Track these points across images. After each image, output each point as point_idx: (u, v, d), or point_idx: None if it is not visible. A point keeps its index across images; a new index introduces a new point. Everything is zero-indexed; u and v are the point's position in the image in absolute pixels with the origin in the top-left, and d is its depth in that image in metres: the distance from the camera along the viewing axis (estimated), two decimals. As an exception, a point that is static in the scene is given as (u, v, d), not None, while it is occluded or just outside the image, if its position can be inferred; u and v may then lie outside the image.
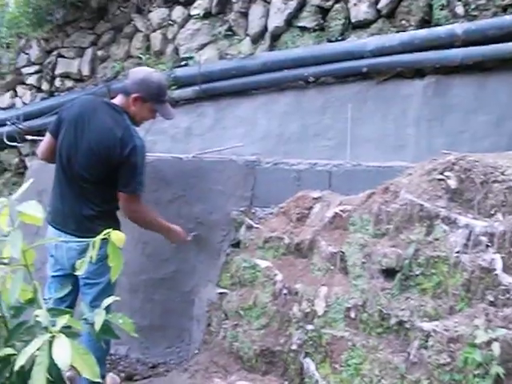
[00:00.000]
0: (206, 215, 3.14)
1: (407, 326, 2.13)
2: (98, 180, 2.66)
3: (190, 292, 3.19)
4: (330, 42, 3.74)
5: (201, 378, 2.82)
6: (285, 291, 2.60)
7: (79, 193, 2.69)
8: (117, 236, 1.87)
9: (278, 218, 2.93)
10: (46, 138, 2.88)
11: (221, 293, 3.01)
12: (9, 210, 1.81)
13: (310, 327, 2.44)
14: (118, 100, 2.78)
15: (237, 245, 3.07)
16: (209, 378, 2.79)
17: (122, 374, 3.16)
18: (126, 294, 3.17)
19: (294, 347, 2.50)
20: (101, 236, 1.84)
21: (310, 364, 2.42)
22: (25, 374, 1.66)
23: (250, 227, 3.00)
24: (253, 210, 3.08)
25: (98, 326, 1.79)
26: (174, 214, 3.10)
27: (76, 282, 2.73)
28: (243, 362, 2.72)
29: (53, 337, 1.54)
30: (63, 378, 1.76)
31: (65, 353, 1.49)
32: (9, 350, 1.71)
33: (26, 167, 5.19)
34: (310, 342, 2.43)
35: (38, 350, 1.54)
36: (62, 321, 1.64)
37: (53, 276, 2.81)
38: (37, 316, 1.75)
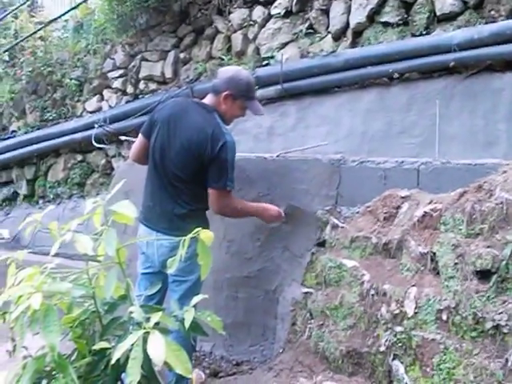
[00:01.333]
0: (290, 215, 3.12)
1: (505, 330, 2.03)
2: (190, 178, 2.71)
3: (274, 291, 3.19)
4: (415, 36, 3.64)
5: (286, 377, 2.81)
6: (372, 292, 2.54)
7: (171, 192, 2.75)
8: (206, 235, 1.89)
9: (364, 218, 2.87)
10: (139, 140, 2.96)
11: (305, 292, 2.98)
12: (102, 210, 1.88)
13: (399, 329, 2.37)
14: (207, 99, 2.82)
15: (322, 244, 3.03)
16: (294, 378, 2.77)
17: (207, 371, 3.20)
18: (210, 292, 3.19)
19: (382, 349, 2.44)
20: (190, 235, 1.88)
21: (398, 366, 2.36)
22: (119, 367, 1.71)
23: (335, 226, 2.96)
24: (338, 210, 3.03)
25: (187, 323, 1.82)
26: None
27: (165, 280, 2.78)
28: (329, 363, 2.69)
29: (147, 333, 1.58)
30: (155, 373, 1.80)
31: (159, 348, 1.52)
32: (104, 344, 1.77)
33: (112, 168, 5.38)
34: (399, 344, 2.36)
35: (132, 345, 1.59)
36: (156, 317, 1.67)
37: (143, 273, 2.88)
38: (131, 312, 1.80)
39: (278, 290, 3.18)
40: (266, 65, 4.29)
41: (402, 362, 2.35)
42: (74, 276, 1.84)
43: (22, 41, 6.73)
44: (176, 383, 2.63)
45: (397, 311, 2.40)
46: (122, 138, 4.66)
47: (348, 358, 2.59)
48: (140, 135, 2.95)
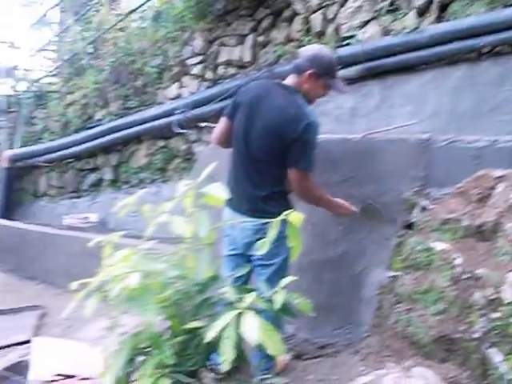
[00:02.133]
0: (376, 196, 3.06)
1: None
2: (272, 160, 2.70)
3: (359, 274, 3.14)
4: (506, 7, 3.45)
5: (373, 361, 2.77)
6: (465, 276, 2.45)
7: (253, 174, 2.75)
8: (295, 217, 1.88)
9: (455, 199, 2.76)
10: (221, 122, 2.96)
11: (392, 276, 2.92)
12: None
13: (495, 315, 2.27)
14: (289, 80, 2.80)
15: (409, 227, 2.95)
16: (381, 362, 2.73)
17: (291, 353, 3.20)
18: (294, 274, 3.20)
19: (476, 335, 2.35)
20: (280, 217, 1.87)
21: (495, 355, 2.26)
22: (210, 346, 1.74)
23: (423, 208, 2.87)
24: (426, 191, 2.94)
25: (277, 305, 1.82)
26: (343, 195, 3.04)
27: (249, 262, 2.80)
28: (418, 348, 2.62)
29: (240, 313, 1.59)
30: (244, 352, 1.82)
31: (253, 329, 1.53)
32: (196, 324, 1.81)
33: (193, 153, 5.46)
34: (496, 331, 2.26)
35: (225, 324, 1.61)
36: (249, 298, 1.68)
37: (227, 255, 2.90)
38: (223, 293, 1.82)
39: (363, 273, 3.13)
40: (347, 45, 4.20)
41: (499, 350, 2.26)
42: (165, 257, 1.89)
43: (103, 33, 6.94)
44: (262, 364, 2.65)
45: (493, 297, 2.30)
46: (202, 124, 4.73)
47: (439, 343, 2.51)
48: (223, 118, 2.97)
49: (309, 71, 2.70)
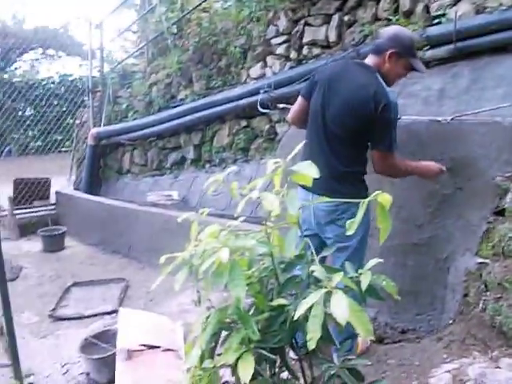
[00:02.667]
0: (465, 181, 2.96)
1: None
2: (348, 138, 2.71)
3: (445, 259, 3.06)
4: None
5: (457, 349, 2.71)
6: (561, 265, 2.34)
7: (328, 153, 2.74)
8: (385, 198, 1.85)
9: (553, 185, 2.64)
10: (298, 101, 3.01)
11: (480, 263, 2.83)
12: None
13: None
14: (368, 60, 2.80)
15: (500, 213, 2.84)
16: (466, 351, 2.66)
17: (372, 336, 3.18)
18: (377, 258, 3.16)
19: None
20: (369, 198, 1.84)
21: None
22: (295, 323, 1.75)
23: (517, 194, 2.77)
24: (522, 176, 2.82)
25: (364, 286, 1.80)
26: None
27: (322, 243, 2.80)
28: (507, 338, 2.54)
29: (329, 292, 1.59)
30: (329, 332, 1.81)
31: (342, 308, 1.52)
32: (281, 301, 1.82)
33: (276, 133, 5.46)
34: None
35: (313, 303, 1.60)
36: (337, 278, 1.67)
37: (300, 236, 2.91)
38: (311, 271, 1.82)
39: (449, 258, 3.05)
40: (437, 23, 4.05)
41: None
42: (252, 234, 1.90)
43: (187, 13, 7.02)
44: (343, 344, 2.64)
45: None
46: (280, 105, 4.72)
47: (530, 334, 2.43)
48: (299, 97, 3.00)
49: (389, 51, 2.71)
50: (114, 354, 3.10)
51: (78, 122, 9.47)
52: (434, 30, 3.98)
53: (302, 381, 1.94)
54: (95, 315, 4.29)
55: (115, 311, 4.23)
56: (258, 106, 5.21)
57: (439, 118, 3.12)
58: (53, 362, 3.55)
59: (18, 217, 7.51)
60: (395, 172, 2.79)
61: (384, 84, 2.69)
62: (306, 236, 2.87)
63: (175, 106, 6.99)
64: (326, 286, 1.62)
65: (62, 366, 3.48)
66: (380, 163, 2.71)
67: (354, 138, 2.71)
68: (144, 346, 3.13)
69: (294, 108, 3.06)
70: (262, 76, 5.71)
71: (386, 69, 2.75)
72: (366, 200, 1.85)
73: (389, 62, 2.73)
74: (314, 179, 2.74)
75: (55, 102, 11.77)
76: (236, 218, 2.03)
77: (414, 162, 2.87)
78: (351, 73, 2.77)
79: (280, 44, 5.53)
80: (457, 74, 3.79)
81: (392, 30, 2.84)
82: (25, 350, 3.36)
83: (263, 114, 5.42)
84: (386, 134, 2.65)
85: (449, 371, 2.42)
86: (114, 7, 9.24)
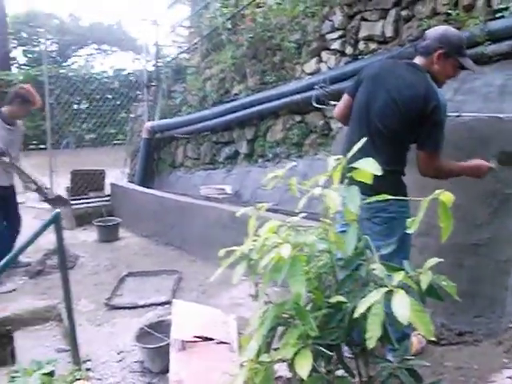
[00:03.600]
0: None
1: None
2: (391, 135, 2.68)
3: (505, 261, 2.98)
4: None
5: (518, 354, 2.64)
6: None
7: (369, 150, 2.69)
8: (447, 197, 1.82)
9: None
10: (343, 98, 3.04)
11: (544, 266, 2.75)
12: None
13: None
14: (416, 61, 2.80)
15: None
16: (528, 356, 2.59)
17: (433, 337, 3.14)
18: (432, 257, 3.11)
19: None
20: (432, 196, 1.81)
21: None
22: (354, 321, 1.73)
23: None
24: None
25: (424, 285, 1.78)
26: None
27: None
28: None
29: (390, 291, 1.57)
30: (388, 330, 1.79)
31: (404, 307, 1.50)
32: (340, 298, 1.81)
33: (330, 129, 5.42)
34: None
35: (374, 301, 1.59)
36: (399, 276, 1.65)
37: (339, 232, 2.90)
38: (371, 269, 1.80)
39: (510, 260, 2.97)
40: (500, 17, 3.94)
41: None
42: (311, 230, 1.90)
43: (242, 9, 7.05)
44: (401, 344, 2.61)
45: None
46: (333, 103, 4.68)
47: None
48: (345, 94, 3.03)
49: (438, 51, 2.69)
50: (168, 345, 3.15)
51: (132, 115, 9.65)
52: (495, 25, 3.87)
53: (357, 379, 1.93)
54: (149, 305, 4.36)
55: (168, 302, 4.30)
56: (313, 102, 5.18)
57: (500, 115, 3.04)
58: (108, 349, 3.63)
59: (74, 207, 7.72)
60: (440, 174, 2.74)
61: (434, 85, 2.68)
62: (344, 231, 2.87)
63: (229, 101, 7.05)
64: (387, 284, 1.60)
65: (118, 354, 3.55)
66: (425, 164, 2.70)
67: (397, 137, 2.70)
68: (198, 337, 3.16)
69: (340, 105, 3.08)
70: (317, 71, 5.67)
71: (435, 70, 2.73)
72: (427, 199, 1.82)
73: (437, 62, 2.72)
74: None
75: (109, 96, 12.02)
76: (296, 214, 2.03)
77: (461, 163, 2.83)
78: (400, 70, 2.77)
79: (335, 39, 5.49)
80: (520, 70, 3.68)
81: (439, 30, 2.82)
82: (82, 336, 3.45)
83: (317, 109, 5.39)
84: (434, 135, 2.64)
85: (510, 377, 2.36)
86: (167, 3, 9.37)
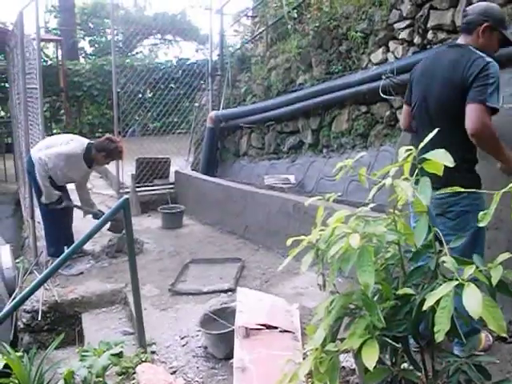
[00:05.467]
0: None
1: None
2: (455, 117, 2.63)
3: None
4: None
5: None
6: None
7: (437, 144, 2.65)
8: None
9: None
10: (404, 109, 3.13)
11: None
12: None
13: None
14: (460, 41, 2.80)
15: None
16: None
17: (494, 334, 3.07)
18: (503, 252, 3.03)
19: None
20: (506, 189, 1.77)
21: None
22: (421, 314, 1.72)
23: None
24: None
25: (495, 281, 1.75)
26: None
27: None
28: None
29: (460, 285, 1.55)
30: (455, 324, 1.76)
31: (475, 302, 1.49)
32: (408, 290, 1.80)
33: (396, 120, 5.34)
34: None
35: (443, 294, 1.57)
36: (470, 270, 1.63)
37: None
38: (442, 262, 1.79)
39: None
40: None
41: None
42: (379, 221, 1.89)
43: (308, -2, 7.03)
44: (469, 339, 2.57)
45: None
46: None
47: None
48: (404, 105, 3.11)
49: (484, 25, 2.68)
50: (232, 331, 3.21)
51: (196, 104, 9.78)
52: None
53: (422, 372, 1.92)
54: (212, 292, 4.44)
55: (231, 290, 4.37)
56: (380, 92, 5.12)
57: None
58: (172, 333, 3.72)
59: (139, 194, 7.92)
60: (487, 134, 2.57)
61: (481, 52, 2.65)
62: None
63: (294, 91, 7.03)
64: (457, 278, 1.59)
65: (182, 338, 3.64)
66: (473, 117, 2.54)
67: (461, 115, 2.59)
68: (262, 325, 3.21)
69: (403, 116, 3.14)
70: (384, 61, 5.58)
71: (481, 44, 2.71)
72: (500, 192, 1.78)
73: (483, 36, 2.71)
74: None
75: (172, 85, 12.19)
76: (361, 205, 2.03)
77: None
78: (444, 55, 2.78)
79: (403, 29, 5.38)
80: None
81: (480, 5, 2.80)
82: (147, 320, 3.56)
83: (384, 99, 5.32)
84: (483, 88, 2.55)
85: None
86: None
